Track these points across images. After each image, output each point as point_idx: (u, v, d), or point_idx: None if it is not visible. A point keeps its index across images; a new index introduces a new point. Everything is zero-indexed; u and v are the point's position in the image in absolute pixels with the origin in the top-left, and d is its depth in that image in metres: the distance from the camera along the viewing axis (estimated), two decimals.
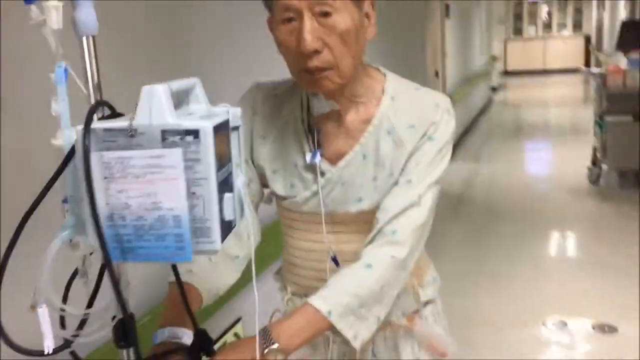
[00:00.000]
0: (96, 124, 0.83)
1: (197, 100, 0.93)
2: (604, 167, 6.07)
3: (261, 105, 1.33)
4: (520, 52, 18.26)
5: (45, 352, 0.86)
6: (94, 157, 0.82)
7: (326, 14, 1.15)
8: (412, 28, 5.70)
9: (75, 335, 0.89)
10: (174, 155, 0.82)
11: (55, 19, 0.81)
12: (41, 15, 0.82)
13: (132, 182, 0.84)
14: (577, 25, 18.22)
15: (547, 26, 18.49)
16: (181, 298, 1.08)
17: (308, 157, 1.31)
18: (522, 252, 4.48)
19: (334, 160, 1.31)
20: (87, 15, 0.86)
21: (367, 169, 1.30)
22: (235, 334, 2.07)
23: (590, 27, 17.44)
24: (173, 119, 0.82)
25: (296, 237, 1.41)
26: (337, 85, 1.21)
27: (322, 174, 1.31)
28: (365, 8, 1.21)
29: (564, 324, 3.36)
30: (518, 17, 18.63)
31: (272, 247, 1.55)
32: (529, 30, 18.60)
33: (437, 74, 6.96)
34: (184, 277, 1.17)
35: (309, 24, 1.14)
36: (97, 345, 1.33)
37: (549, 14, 18.43)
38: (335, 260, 1.34)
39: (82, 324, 0.90)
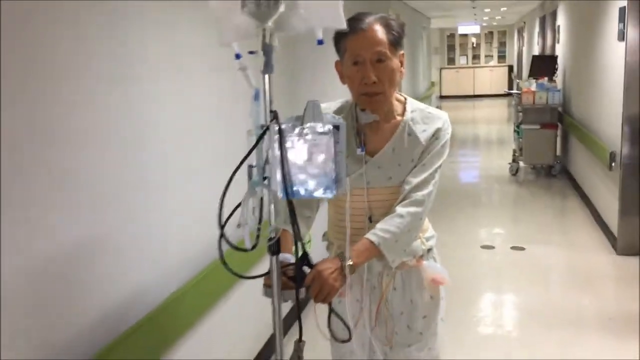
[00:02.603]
0: (284, 122, 1.38)
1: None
2: (521, 163, 8.08)
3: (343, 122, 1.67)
4: (453, 79, 20.41)
5: (249, 247, 1.40)
6: (284, 140, 1.37)
7: (380, 61, 1.75)
8: None
9: (256, 245, 1.42)
10: (327, 140, 1.42)
11: (251, 75, 1.37)
12: (243, 64, 1.36)
13: (303, 154, 1.41)
14: (502, 57, 20.64)
15: (476, 57, 20.94)
16: (293, 235, 1.47)
17: (358, 150, 1.85)
18: (466, 213, 6.37)
19: (372, 152, 1.86)
20: (271, 63, 1.40)
21: (394, 158, 1.85)
22: None
23: (512, 58, 19.98)
24: (325, 120, 1.43)
25: (344, 204, 1.85)
26: (383, 104, 1.80)
27: (366, 162, 1.85)
28: (400, 58, 1.81)
29: (492, 247, 5.25)
30: (451, 48, 20.99)
31: None
32: (460, 60, 20.97)
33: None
34: (284, 226, 1.59)
35: (370, 67, 1.74)
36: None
37: (478, 44, 20.88)
38: (370, 219, 1.87)
39: (259, 235, 1.43)
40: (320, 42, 1.37)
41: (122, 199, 1.94)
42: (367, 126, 1.86)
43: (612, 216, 5.12)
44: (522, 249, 5.16)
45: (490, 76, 20.21)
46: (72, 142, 1.69)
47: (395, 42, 1.77)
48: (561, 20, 8.83)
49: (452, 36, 20.73)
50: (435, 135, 1.85)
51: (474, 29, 19.57)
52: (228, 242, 1.39)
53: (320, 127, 1.43)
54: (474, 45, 20.87)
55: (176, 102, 2.30)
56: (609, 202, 5.27)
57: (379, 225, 1.77)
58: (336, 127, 1.44)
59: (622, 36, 4.89)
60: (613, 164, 5.01)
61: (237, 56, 1.37)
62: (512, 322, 3.84)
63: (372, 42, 1.73)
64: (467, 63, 20.82)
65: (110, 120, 1.87)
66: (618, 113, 4.92)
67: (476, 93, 20.17)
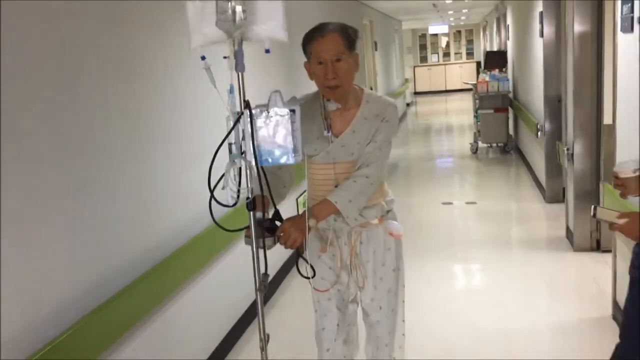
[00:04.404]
0: (253, 108, 1.81)
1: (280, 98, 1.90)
2: (480, 142, 9.53)
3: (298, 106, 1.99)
4: (426, 76, 21.88)
5: (231, 204, 1.86)
6: (254, 122, 1.83)
7: (339, 60, 2.11)
8: None
9: (236, 203, 1.87)
10: (286, 120, 1.85)
11: (214, 79, 1.78)
12: (207, 64, 1.75)
13: (269, 131, 1.85)
14: (470, 53, 22.18)
15: (446, 54, 22.45)
16: (270, 198, 1.98)
17: (325, 132, 2.22)
18: (433, 182, 7.81)
19: (337, 134, 2.23)
20: (242, 63, 1.79)
21: (354, 138, 2.21)
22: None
23: (479, 54, 21.47)
24: (285, 106, 1.85)
25: (316, 177, 2.29)
26: (342, 94, 2.17)
27: (332, 142, 2.21)
28: (355, 57, 2.18)
29: (451, 203, 6.69)
30: (423, 47, 22.49)
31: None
32: (432, 58, 22.48)
33: (371, 88, 10.29)
34: (263, 192, 1.99)
35: (330, 65, 2.11)
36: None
37: (448, 43, 22.40)
38: (337, 186, 2.23)
39: (239, 195, 1.87)
40: (267, 51, 1.80)
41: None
42: (332, 113, 2.24)
43: (542, 174, 6.58)
44: (475, 203, 6.60)
45: (460, 72, 21.64)
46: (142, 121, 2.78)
47: (350, 46, 2.15)
48: (509, 20, 10.32)
49: (423, 36, 22.19)
50: (386, 118, 2.22)
51: (443, 28, 21.04)
52: (216, 200, 1.82)
53: (281, 111, 1.85)
54: (446, 44, 22.37)
55: (205, 97, 3.11)
56: (540, 164, 6.72)
57: (336, 189, 2.20)
58: (292, 111, 1.86)
59: (541, 33, 6.35)
60: (539, 133, 6.47)
61: (202, 57, 1.77)
62: (463, 248, 5.24)
63: (331, 46, 2.10)
64: (439, 60, 22.32)
65: (167, 108, 2.88)
66: (541, 94, 6.38)
67: (448, 88, 21.63)
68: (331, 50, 2.09)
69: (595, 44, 4.57)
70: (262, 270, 1.97)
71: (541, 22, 6.33)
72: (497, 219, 5.98)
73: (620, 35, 3.33)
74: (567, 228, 5.09)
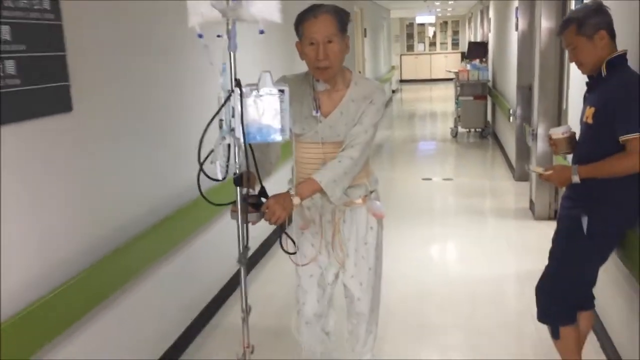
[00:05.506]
0: (244, 87, 1.82)
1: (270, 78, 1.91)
2: (460, 127, 10.21)
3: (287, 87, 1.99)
4: (412, 65, 22.54)
5: (220, 178, 1.87)
6: (244, 101, 1.83)
7: (330, 42, 2.15)
8: None
9: (224, 178, 1.88)
10: (275, 99, 1.88)
11: (213, 53, 1.74)
12: (205, 42, 1.76)
13: (258, 110, 1.88)
14: (455, 44, 22.87)
15: (433, 44, 23.08)
16: (256, 175, 2.01)
17: (314, 112, 2.27)
18: (415, 161, 8.47)
19: (325, 114, 2.28)
20: (234, 43, 1.81)
21: (342, 119, 2.26)
22: None
23: (464, 45, 22.09)
24: (275, 86, 1.88)
25: (304, 156, 2.34)
26: (331, 75, 2.20)
27: (320, 122, 2.27)
28: (346, 40, 2.22)
29: (430, 179, 7.35)
30: (410, 36, 23.09)
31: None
32: (418, 47, 23.10)
33: (359, 72, 10.91)
34: (250, 169, 1.98)
35: (322, 47, 2.14)
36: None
37: (435, 33, 23.01)
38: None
39: (227, 170, 1.89)
40: (261, 32, 1.78)
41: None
42: (321, 94, 2.29)
43: (513, 155, 7.26)
44: (451, 179, 7.28)
45: (445, 61, 22.25)
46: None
47: (342, 28, 2.19)
48: (491, 13, 10.97)
49: (411, 25, 22.77)
50: (373, 101, 2.27)
51: (430, 19, 21.57)
52: (205, 174, 1.86)
53: (270, 91, 1.89)
54: (433, 34, 22.98)
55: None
56: (511, 146, 7.40)
57: (321, 168, 2.23)
58: (281, 91, 1.90)
59: (516, 27, 6.99)
60: (512, 118, 7.14)
61: (200, 36, 1.80)
62: (439, 216, 5.91)
63: (324, 27, 2.14)
64: (425, 50, 22.95)
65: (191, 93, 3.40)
66: (514, 83, 7.04)
67: (433, 77, 22.27)
68: (323, 32, 2.14)
69: (559, 39, 5.22)
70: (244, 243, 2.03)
71: (517, 17, 6.97)
72: (470, 193, 6.65)
73: None
74: (530, 200, 5.77)
